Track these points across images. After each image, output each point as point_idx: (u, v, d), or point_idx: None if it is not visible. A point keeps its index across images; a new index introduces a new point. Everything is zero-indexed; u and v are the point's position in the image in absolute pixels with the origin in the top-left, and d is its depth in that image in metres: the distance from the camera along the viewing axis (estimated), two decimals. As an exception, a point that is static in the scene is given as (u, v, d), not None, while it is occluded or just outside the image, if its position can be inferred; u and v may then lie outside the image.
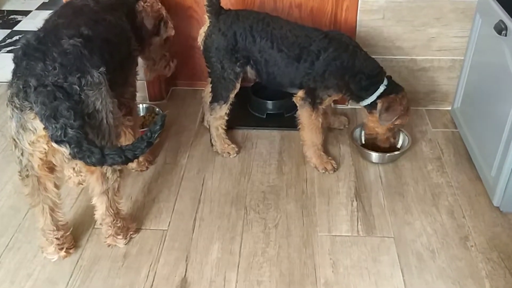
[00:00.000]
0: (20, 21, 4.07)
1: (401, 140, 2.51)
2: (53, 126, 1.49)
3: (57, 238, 1.88)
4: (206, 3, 2.25)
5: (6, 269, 1.92)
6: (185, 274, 1.90)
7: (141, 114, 2.76)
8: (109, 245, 1.99)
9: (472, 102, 2.49)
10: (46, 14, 1.92)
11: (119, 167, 1.82)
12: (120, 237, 1.97)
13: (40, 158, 1.65)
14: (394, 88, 2.26)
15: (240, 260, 1.95)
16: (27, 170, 1.70)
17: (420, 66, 2.73)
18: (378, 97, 2.25)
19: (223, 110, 2.40)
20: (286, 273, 1.89)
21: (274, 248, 1.99)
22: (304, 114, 2.33)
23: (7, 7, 4.31)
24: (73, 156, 1.50)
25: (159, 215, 2.17)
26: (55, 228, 1.87)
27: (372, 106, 2.29)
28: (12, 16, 4.15)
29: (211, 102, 2.41)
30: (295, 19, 2.76)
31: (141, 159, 2.36)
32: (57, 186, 1.80)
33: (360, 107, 2.42)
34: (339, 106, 2.81)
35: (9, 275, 1.89)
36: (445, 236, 2.03)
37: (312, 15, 2.78)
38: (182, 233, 2.07)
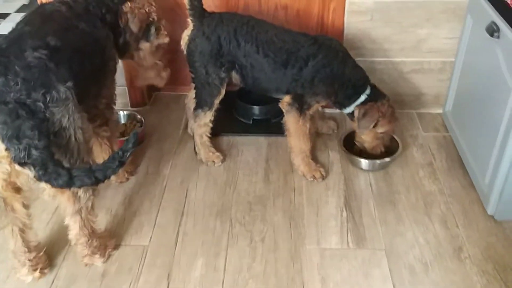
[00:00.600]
0: (-3, 24, 3.95)
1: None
2: (16, 147, 1.38)
3: (29, 260, 1.78)
4: (187, 6, 2.15)
5: (-23, 292, 1.81)
6: (167, 293, 1.81)
7: (122, 121, 2.66)
8: (86, 265, 1.89)
9: (464, 105, 2.41)
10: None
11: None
12: (97, 256, 1.87)
13: (4, 179, 1.54)
14: (376, 97, 2.18)
15: (225, 277, 1.86)
16: None
17: (409, 68, 2.65)
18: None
19: (207, 117, 2.30)
20: (273, 290, 1.81)
21: (260, 263, 1.90)
22: (290, 120, 2.24)
23: (-16, 10, 4.18)
24: (38, 178, 1.40)
25: (140, 230, 2.07)
26: (26, 249, 1.77)
27: (353, 115, 2.21)
28: (-11, 20, 4.03)
29: (195, 109, 2.31)
30: (281, 21, 2.67)
31: (120, 170, 2.25)
32: (26, 206, 1.69)
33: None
34: (328, 110, 2.72)
35: (-20, 298, 1.79)
36: (438, 247, 1.95)
37: (299, 17, 2.69)
38: (164, 249, 1.98)
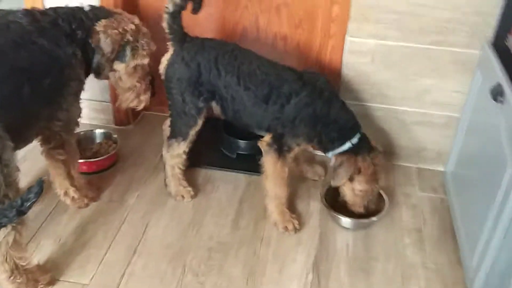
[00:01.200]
0: None
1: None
2: None
3: None
4: (166, 30, 1.99)
5: None
6: None
7: (97, 140, 2.50)
8: None
9: (465, 169, 2.17)
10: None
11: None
12: None
13: None
14: (361, 149, 1.96)
15: (161, 334, 1.66)
16: None
17: (411, 119, 2.43)
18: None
19: (181, 148, 2.12)
20: None
21: (204, 323, 1.70)
22: (268, 161, 2.04)
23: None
24: None
25: (84, 265, 1.90)
26: None
27: None
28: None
29: (169, 138, 2.14)
30: (280, 52, 2.50)
31: (76, 195, 2.09)
32: None
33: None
34: (319, 153, 2.51)
35: None
36: (407, 331, 1.71)
37: (298, 49, 2.51)
38: (103, 291, 1.79)
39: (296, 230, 2.07)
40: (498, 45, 1.97)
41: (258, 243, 2.03)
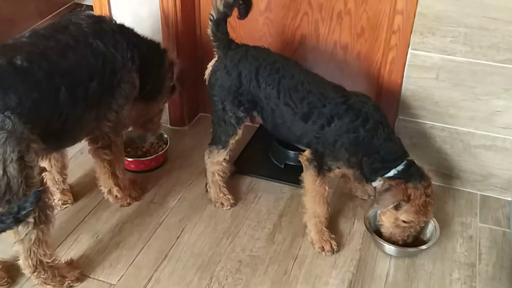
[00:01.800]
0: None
1: (429, 230, 2.02)
2: None
3: None
4: (210, 37, 1.95)
5: None
6: None
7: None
8: None
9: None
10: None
11: (31, 218, 1.56)
12: (50, 287, 1.74)
13: None
14: (408, 176, 1.81)
15: None
16: None
17: (478, 142, 2.21)
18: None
19: (221, 156, 2.09)
20: None
21: None
22: (308, 178, 1.94)
23: None
24: None
25: (115, 265, 1.91)
26: None
27: None
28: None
29: (210, 144, 2.11)
30: (339, 62, 2.39)
31: (119, 194, 2.12)
32: None
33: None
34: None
35: None
36: None
37: (359, 60, 2.38)
38: (128, 294, 1.80)
39: (333, 251, 1.95)
40: None
41: (291, 262, 1.94)
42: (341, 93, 1.87)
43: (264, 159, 2.50)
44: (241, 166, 2.44)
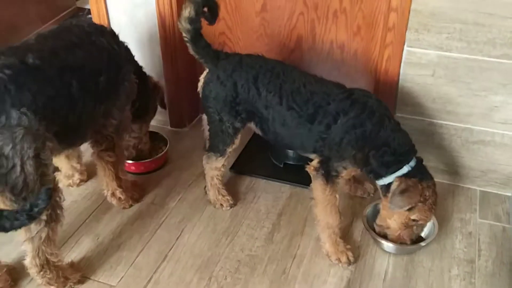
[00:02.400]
0: None
1: (428, 227, 2.02)
2: None
3: None
4: (196, 56, 1.94)
5: None
6: None
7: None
8: None
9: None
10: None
11: (44, 216, 1.59)
12: (53, 287, 1.75)
13: None
14: (420, 174, 1.81)
15: None
16: None
17: (477, 138, 2.21)
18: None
19: (219, 162, 2.09)
20: None
21: None
22: (317, 188, 1.91)
23: None
24: None
25: (115, 266, 1.93)
26: None
27: (388, 188, 1.84)
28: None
29: (208, 150, 2.11)
30: (336, 61, 2.39)
31: (123, 196, 2.14)
32: None
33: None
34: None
35: None
36: None
37: (356, 59, 2.38)
38: (128, 295, 1.82)
39: (350, 263, 1.92)
40: None
41: (290, 261, 1.95)
42: (343, 90, 1.87)
43: (263, 158, 2.51)
44: (241, 166, 2.45)
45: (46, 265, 1.71)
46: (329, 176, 1.87)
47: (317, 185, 1.91)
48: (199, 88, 2.00)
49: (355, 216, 2.16)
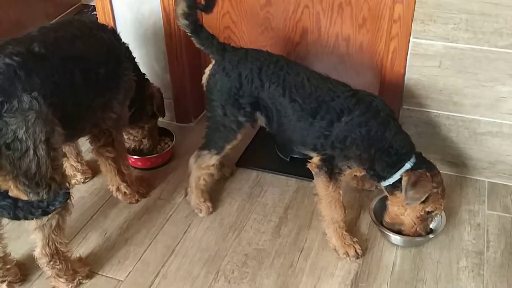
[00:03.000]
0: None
1: (436, 219, 2.00)
2: None
3: None
4: (201, 47, 1.93)
5: None
6: None
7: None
8: (53, 286, 1.80)
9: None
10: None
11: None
12: (62, 280, 1.77)
13: None
14: (424, 164, 1.81)
15: (184, 339, 1.65)
16: None
17: (485, 129, 2.19)
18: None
19: (212, 161, 2.04)
20: None
21: (227, 333, 1.67)
22: (320, 185, 1.90)
23: None
24: None
25: (123, 261, 1.94)
26: None
27: (394, 187, 1.84)
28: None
29: (201, 148, 2.06)
30: (341, 55, 2.38)
31: (128, 191, 2.15)
32: None
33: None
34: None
35: None
36: None
37: (362, 52, 2.37)
38: (136, 289, 1.82)
39: (358, 256, 1.91)
40: None
41: (297, 254, 1.95)
42: (349, 88, 1.85)
43: (270, 152, 2.51)
44: (247, 161, 2.45)
45: (55, 255, 1.72)
46: (332, 174, 1.87)
47: (320, 182, 1.90)
48: (204, 81, 1.98)
49: (362, 209, 2.15)
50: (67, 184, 1.64)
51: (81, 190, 2.26)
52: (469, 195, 2.22)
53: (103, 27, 1.93)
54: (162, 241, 2.02)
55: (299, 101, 1.84)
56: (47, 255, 1.71)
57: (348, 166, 1.86)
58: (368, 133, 1.78)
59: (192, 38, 1.91)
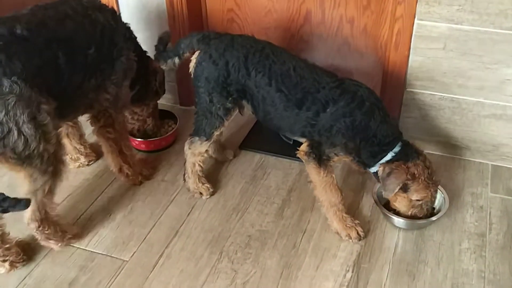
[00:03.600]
0: None
1: (438, 201, 2.01)
2: None
3: None
4: (181, 54, 2.01)
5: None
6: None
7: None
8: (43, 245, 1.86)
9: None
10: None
11: (50, 167, 1.66)
12: (52, 241, 1.82)
13: None
14: (405, 156, 1.81)
15: (188, 317, 1.67)
16: None
17: (489, 111, 2.19)
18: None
19: (203, 147, 2.06)
20: None
21: (230, 312, 1.69)
22: (312, 172, 1.92)
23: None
24: None
25: (127, 242, 1.96)
26: None
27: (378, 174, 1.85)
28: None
29: (191, 135, 2.07)
30: (345, 37, 2.37)
31: (130, 172, 2.16)
32: None
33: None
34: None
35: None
36: None
37: (366, 34, 2.36)
38: (140, 270, 1.84)
39: (360, 238, 1.92)
40: None
41: (300, 235, 1.96)
42: (334, 79, 1.85)
43: (273, 135, 2.50)
44: (250, 143, 2.46)
45: (45, 220, 1.76)
46: (320, 160, 1.88)
47: (311, 169, 1.91)
48: (191, 69, 1.97)
49: (365, 192, 2.15)
50: (62, 153, 1.72)
51: (85, 172, 2.27)
52: (472, 178, 2.22)
53: (101, 7, 1.89)
54: (165, 223, 2.03)
55: (285, 91, 1.84)
56: (37, 220, 1.75)
57: (335, 154, 1.87)
58: (352, 123, 1.79)
59: (176, 60, 2.03)
